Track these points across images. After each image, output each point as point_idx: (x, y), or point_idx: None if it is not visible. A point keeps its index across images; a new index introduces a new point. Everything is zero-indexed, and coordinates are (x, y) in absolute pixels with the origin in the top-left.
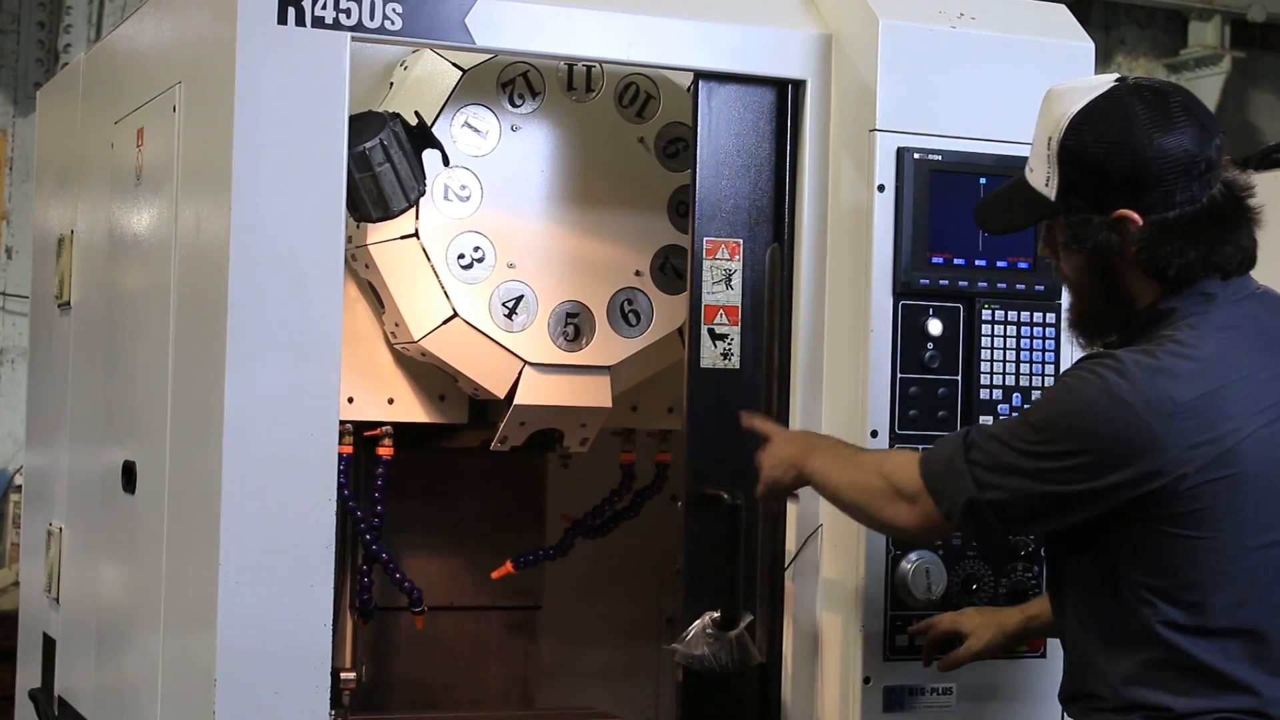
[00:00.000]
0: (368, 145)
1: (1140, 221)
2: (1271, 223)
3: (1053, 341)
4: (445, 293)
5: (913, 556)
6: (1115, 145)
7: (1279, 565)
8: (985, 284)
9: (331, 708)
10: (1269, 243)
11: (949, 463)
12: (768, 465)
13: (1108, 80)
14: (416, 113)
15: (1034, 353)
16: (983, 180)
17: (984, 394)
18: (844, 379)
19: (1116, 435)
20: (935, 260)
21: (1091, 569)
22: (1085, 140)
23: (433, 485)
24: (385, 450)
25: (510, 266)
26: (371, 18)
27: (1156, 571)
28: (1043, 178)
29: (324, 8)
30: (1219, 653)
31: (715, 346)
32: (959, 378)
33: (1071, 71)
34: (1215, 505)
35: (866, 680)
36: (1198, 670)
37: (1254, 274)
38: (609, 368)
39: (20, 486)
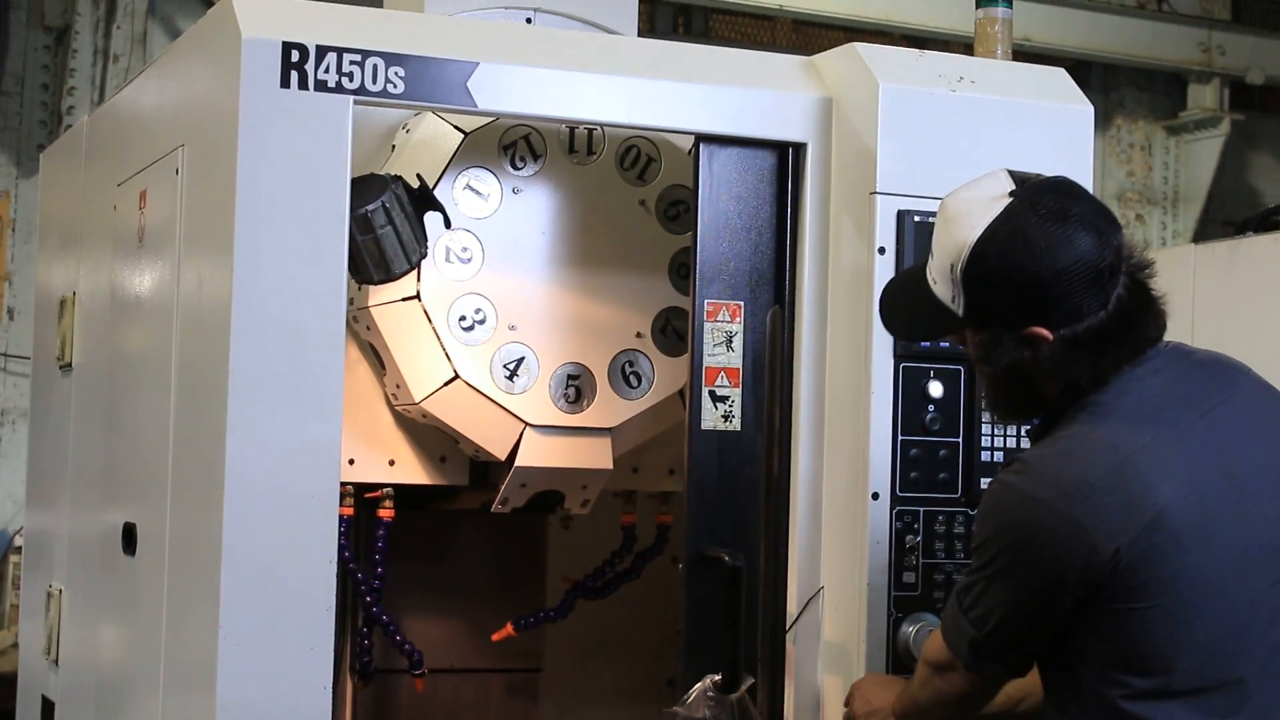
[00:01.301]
0: (370, 208)
1: (1050, 337)
2: (1272, 286)
3: None
4: (446, 354)
5: (915, 619)
6: (1018, 270)
7: (1243, 618)
8: None
9: None
10: (1269, 308)
11: (953, 618)
12: (862, 713)
13: (1001, 192)
14: (418, 175)
15: None
16: None
17: (984, 456)
18: (845, 441)
19: (1044, 532)
20: None
21: (1056, 662)
22: (989, 268)
23: (433, 547)
24: (386, 512)
25: (511, 328)
26: (374, 81)
27: (1116, 649)
28: (949, 295)
29: (327, 71)
30: (1196, 714)
31: (716, 408)
32: (960, 439)
33: (1072, 134)
34: (1157, 572)
35: None
36: None
37: (1257, 337)
38: (610, 429)
39: (20, 548)
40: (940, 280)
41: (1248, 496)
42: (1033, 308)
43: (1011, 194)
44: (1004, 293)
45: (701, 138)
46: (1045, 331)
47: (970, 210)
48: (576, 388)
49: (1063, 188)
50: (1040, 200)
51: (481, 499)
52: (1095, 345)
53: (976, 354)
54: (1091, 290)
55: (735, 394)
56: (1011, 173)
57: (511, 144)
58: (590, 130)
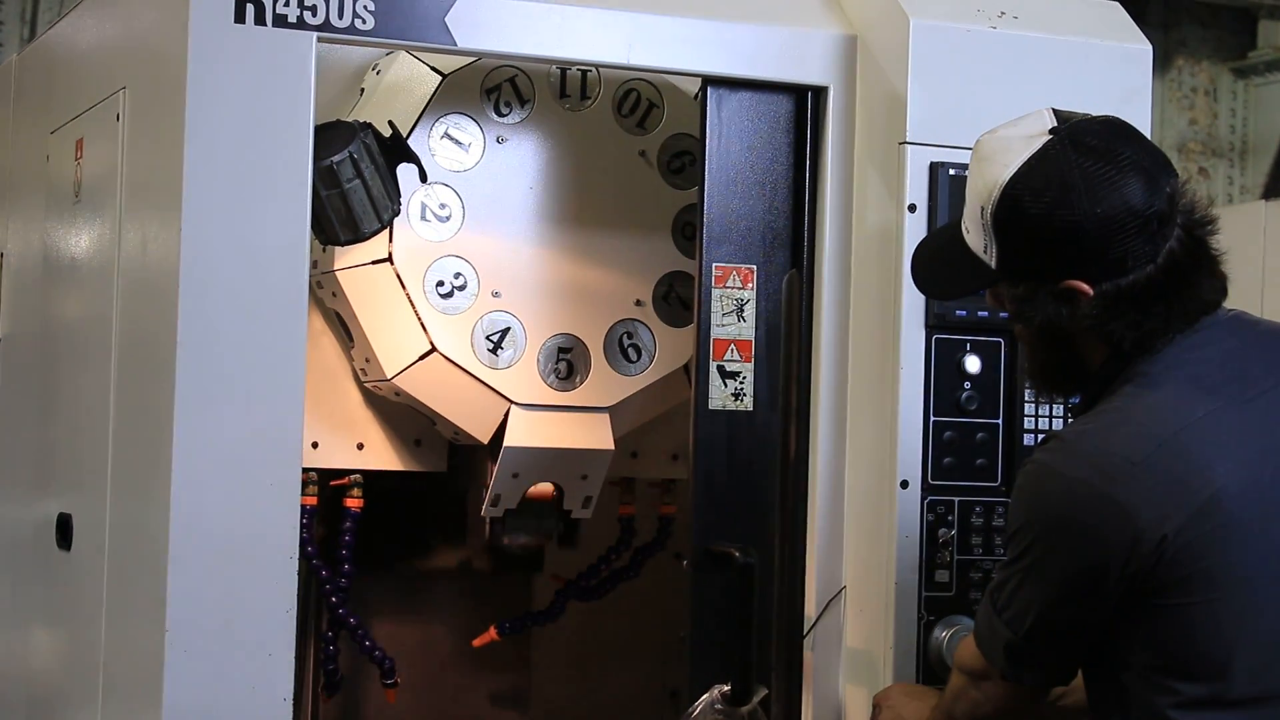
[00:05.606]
0: (335, 159)
1: (1090, 292)
2: None
3: None
4: (422, 325)
5: (949, 622)
6: (1053, 214)
7: None
8: None
9: None
10: None
11: (987, 621)
12: None
13: (1042, 130)
14: (390, 122)
15: None
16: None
17: (1027, 439)
18: (870, 422)
19: (1082, 517)
20: None
21: (1097, 666)
22: (1021, 210)
23: (403, 609)
24: (354, 502)
25: (495, 295)
26: (340, 16)
27: (1163, 651)
28: (980, 244)
29: (286, 5)
30: None
31: (725, 386)
32: (1000, 421)
33: (1127, 76)
34: (1209, 564)
35: None
36: None
37: None
38: (606, 409)
39: None
40: (972, 228)
41: None
42: (1070, 257)
43: (1052, 131)
44: (1038, 240)
45: (709, 80)
46: (1084, 285)
47: (1005, 148)
48: (568, 362)
49: (1111, 127)
50: (1083, 139)
51: (458, 557)
52: (1140, 303)
53: (1012, 311)
54: (1138, 240)
55: (747, 369)
56: (1057, 111)
57: (495, 87)
58: (584, 72)
